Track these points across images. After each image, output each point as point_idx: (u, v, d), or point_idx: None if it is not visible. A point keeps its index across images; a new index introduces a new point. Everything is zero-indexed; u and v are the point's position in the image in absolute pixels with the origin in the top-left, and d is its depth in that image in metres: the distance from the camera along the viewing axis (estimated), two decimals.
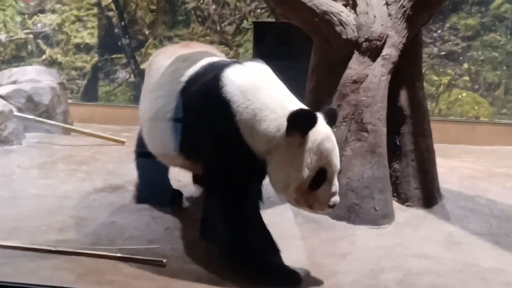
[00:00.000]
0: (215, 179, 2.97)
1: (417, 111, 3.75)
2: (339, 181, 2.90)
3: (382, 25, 3.82)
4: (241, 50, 6.21)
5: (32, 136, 5.48)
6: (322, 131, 2.71)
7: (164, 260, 3.11)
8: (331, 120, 2.77)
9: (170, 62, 3.32)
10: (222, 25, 6.33)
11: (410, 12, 3.80)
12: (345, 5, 3.92)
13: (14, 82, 5.61)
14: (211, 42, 6.27)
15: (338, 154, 2.78)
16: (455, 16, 5.78)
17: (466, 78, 5.81)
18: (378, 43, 3.81)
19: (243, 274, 2.87)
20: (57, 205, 3.88)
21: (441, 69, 5.86)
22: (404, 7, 3.83)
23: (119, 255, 3.21)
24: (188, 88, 3.07)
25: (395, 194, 3.85)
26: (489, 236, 3.60)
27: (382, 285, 2.93)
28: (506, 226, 3.75)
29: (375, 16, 3.84)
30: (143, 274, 3.02)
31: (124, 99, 6.51)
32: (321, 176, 2.69)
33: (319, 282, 2.95)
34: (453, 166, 5.00)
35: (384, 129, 3.71)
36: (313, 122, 2.67)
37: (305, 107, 2.75)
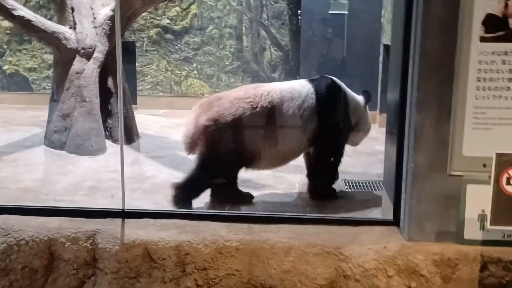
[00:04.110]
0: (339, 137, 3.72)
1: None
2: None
3: (91, 40, 4.84)
4: None
5: None
6: None
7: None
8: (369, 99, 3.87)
9: (283, 90, 3.64)
10: None
11: (109, 32, 4.87)
12: (70, 28, 4.88)
13: None
14: None
15: None
16: (187, 35, 7.17)
17: (196, 72, 7.22)
18: (90, 50, 4.84)
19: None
20: None
21: (181, 67, 7.18)
22: (104, 29, 4.88)
23: None
24: (310, 96, 3.58)
25: (110, 137, 4.91)
26: (160, 159, 4.54)
27: (81, 188, 3.83)
28: (171, 153, 4.61)
29: (87, 35, 4.86)
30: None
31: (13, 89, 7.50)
32: None
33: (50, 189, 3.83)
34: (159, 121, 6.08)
35: (97, 100, 4.79)
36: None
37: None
